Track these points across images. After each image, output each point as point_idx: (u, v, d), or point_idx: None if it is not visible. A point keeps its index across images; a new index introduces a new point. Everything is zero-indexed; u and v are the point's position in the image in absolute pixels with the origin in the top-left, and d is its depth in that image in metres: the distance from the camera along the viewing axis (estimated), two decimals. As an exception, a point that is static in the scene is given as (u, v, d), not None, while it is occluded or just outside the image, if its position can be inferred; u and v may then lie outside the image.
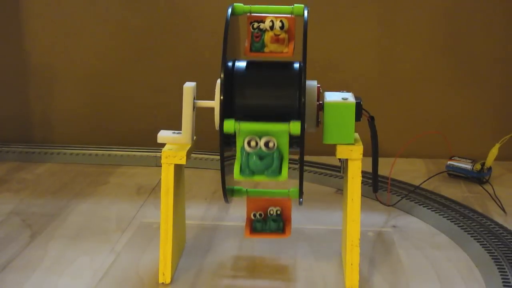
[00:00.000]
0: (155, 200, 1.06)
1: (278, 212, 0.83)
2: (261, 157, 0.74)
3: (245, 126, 0.74)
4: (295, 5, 0.78)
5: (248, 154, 0.74)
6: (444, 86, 1.27)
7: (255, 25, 0.77)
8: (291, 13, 0.78)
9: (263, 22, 0.77)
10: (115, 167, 1.23)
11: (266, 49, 0.77)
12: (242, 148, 0.74)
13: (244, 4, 0.79)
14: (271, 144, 0.74)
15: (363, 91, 0.94)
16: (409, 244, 0.92)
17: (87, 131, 1.33)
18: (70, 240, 0.92)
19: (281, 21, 0.77)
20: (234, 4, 0.78)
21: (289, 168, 0.76)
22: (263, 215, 0.82)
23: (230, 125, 0.74)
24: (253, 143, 0.74)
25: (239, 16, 0.82)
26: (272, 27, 0.77)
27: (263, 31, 0.77)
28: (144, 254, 0.88)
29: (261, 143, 0.74)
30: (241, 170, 0.75)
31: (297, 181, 0.78)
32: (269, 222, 0.82)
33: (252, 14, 0.78)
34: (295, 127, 0.74)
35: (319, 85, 0.79)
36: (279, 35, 0.77)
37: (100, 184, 1.14)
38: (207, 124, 0.83)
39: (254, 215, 0.82)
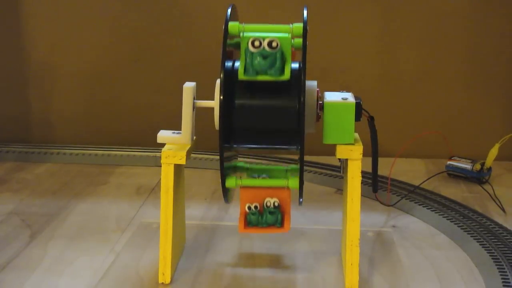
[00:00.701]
0: (154, 200, 1.06)
1: (276, 204, 0.78)
2: (264, 57, 0.74)
3: (249, 28, 0.76)
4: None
5: (252, 54, 0.74)
6: (444, 86, 1.27)
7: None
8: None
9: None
10: (115, 167, 1.23)
11: None
12: (247, 49, 0.75)
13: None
14: (274, 44, 0.74)
15: (363, 91, 0.94)
16: (409, 244, 0.92)
17: (87, 131, 1.33)
18: (70, 240, 0.92)
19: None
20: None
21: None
22: (258, 207, 0.79)
23: (234, 27, 0.75)
24: (257, 43, 0.74)
25: (238, 17, 0.82)
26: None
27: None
28: (144, 254, 0.88)
29: (265, 43, 0.74)
30: (245, 70, 0.74)
31: (296, 177, 0.78)
32: (265, 214, 0.78)
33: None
34: (297, 28, 0.75)
35: (318, 89, 0.78)
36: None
37: (100, 184, 1.14)
38: (207, 124, 0.83)
39: (249, 208, 0.78)
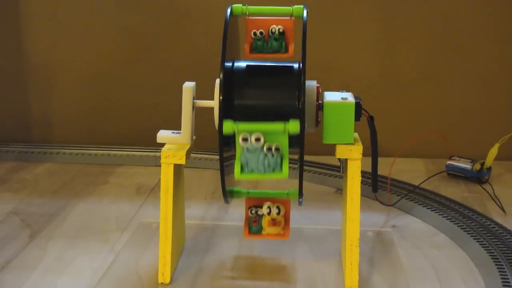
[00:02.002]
0: (154, 200, 1.06)
1: (281, 30, 0.78)
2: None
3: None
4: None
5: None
6: (443, 86, 1.27)
7: (253, 210, 0.81)
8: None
9: (261, 207, 0.81)
10: (115, 167, 1.23)
11: (263, 232, 0.81)
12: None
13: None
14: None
15: (363, 91, 0.94)
16: (408, 244, 0.92)
17: (87, 131, 1.33)
18: (69, 239, 0.92)
19: (277, 207, 0.81)
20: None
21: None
22: (264, 34, 0.78)
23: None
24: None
25: (238, 17, 0.82)
26: (269, 213, 0.81)
27: (261, 216, 0.81)
28: (144, 254, 0.88)
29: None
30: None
31: (296, 173, 0.78)
32: (270, 41, 0.78)
33: (250, 197, 0.82)
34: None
35: (318, 85, 0.79)
36: (275, 219, 0.81)
37: (100, 184, 1.14)
38: (207, 124, 0.83)
39: (255, 34, 0.78)
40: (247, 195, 0.83)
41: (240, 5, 0.78)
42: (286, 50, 0.78)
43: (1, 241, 0.92)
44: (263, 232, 0.81)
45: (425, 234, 0.96)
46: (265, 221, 0.81)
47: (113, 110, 1.32)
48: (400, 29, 1.25)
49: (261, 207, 0.81)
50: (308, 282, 0.82)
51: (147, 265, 0.85)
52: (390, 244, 0.92)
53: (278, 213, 0.81)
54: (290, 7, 0.79)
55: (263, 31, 0.78)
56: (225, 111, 0.74)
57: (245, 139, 0.74)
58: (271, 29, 0.78)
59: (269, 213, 0.81)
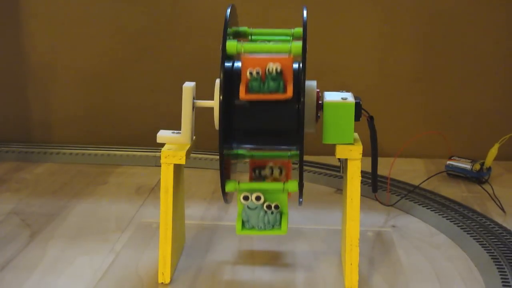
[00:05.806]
0: (154, 200, 1.06)
1: (278, 70, 0.73)
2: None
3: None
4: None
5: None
6: (443, 86, 1.27)
7: (257, 171, 0.82)
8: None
9: (264, 168, 0.81)
10: (115, 167, 1.23)
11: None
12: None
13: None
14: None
15: (363, 91, 0.94)
16: (408, 244, 0.92)
17: (87, 131, 1.33)
18: (69, 239, 0.92)
19: (279, 167, 0.81)
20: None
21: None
22: (260, 73, 0.74)
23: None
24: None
25: (238, 17, 0.82)
26: (271, 174, 0.81)
27: (263, 177, 0.82)
28: (144, 254, 0.88)
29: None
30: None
31: (297, 174, 0.78)
32: (267, 81, 0.74)
33: (254, 160, 0.82)
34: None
35: (318, 90, 0.78)
36: (277, 179, 0.81)
37: (100, 184, 1.14)
38: (207, 124, 0.83)
39: (251, 73, 0.74)
40: (251, 157, 0.83)
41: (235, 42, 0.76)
42: (284, 91, 0.74)
43: (1, 241, 0.92)
44: None
45: (425, 234, 0.96)
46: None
47: (113, 110, 1.32)
48: (400, 28, 1.25)
49: (264, 168, 0.81)
50: (308, 282, 0.82)
51: (147, 265, 0.85)
52: (390, 244, 0.92)
53: (280, 174, 0.81)
54: (291, 30, 0.79)
55: (260, 70, 0.74)
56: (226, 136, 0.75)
57: (246, 198, 0.78)
58: (268, 68, 0.74)
59: (271, 174, 0.81)
